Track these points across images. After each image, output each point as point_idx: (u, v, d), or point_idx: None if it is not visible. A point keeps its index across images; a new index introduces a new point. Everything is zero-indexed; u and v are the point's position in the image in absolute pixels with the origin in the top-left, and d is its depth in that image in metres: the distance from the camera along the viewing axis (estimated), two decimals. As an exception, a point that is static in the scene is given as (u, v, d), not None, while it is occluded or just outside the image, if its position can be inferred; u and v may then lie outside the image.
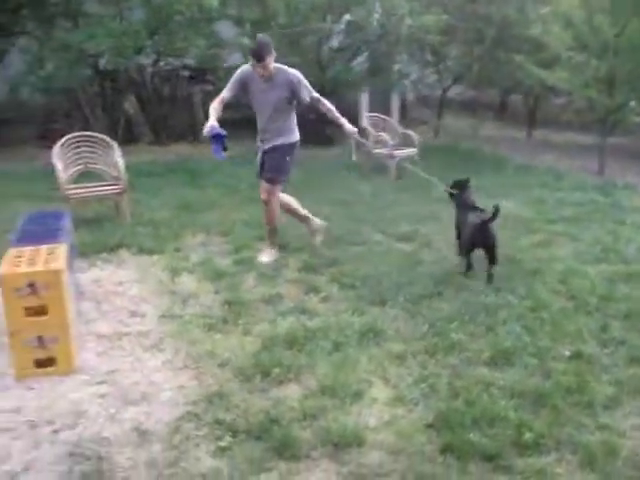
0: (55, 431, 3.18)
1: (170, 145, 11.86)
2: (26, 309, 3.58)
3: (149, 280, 5.10)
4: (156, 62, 13.15)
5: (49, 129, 11.93)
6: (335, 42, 12.66)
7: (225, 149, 5.15)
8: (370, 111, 12.26)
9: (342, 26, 12.40)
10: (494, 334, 4.11)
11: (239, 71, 5.39)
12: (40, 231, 4.26)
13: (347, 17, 12.32)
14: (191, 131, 12.63)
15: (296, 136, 5.56)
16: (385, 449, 2.98)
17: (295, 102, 5.46)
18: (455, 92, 14.64)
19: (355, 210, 7.28)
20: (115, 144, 7.05)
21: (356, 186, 8.56)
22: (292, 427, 3.11)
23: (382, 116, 10.85)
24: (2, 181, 8.44)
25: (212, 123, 5.07)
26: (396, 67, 12.79)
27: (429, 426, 3.17)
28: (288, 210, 5.81)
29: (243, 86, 5.35)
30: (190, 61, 13.24)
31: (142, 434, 3.12)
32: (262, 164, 5.55)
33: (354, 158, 10.53)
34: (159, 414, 3.29)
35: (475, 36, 12.75)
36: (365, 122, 10.33)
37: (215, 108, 5.25)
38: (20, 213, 6.96)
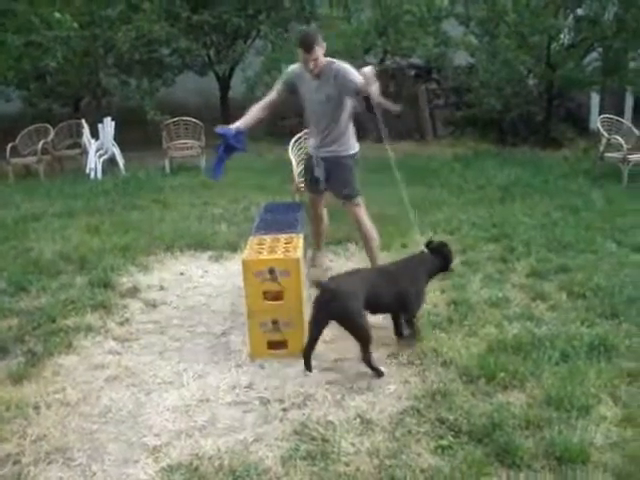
0: (284, 409, 3.37)
1: (395, 143, 12.05)
2: (265, 293, 3.83)
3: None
4: (382, 61, 13.44)
5: (279, 125, 12.67)
6: (566, 39, 12.10)
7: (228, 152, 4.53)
8: (600, 112, 11.57)
9: (572, 21, 11.83)
10: None
11: (288, 70, 4.84)
12: (278, 221, 4.52)
13: (579, 11, 11.72)
14: (416, 129, 12.76)
15: (355, 146, 4.93)
16: (611, 471, 2.80)
17: (347, 101, 4.67)
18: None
19: (586, 217, 6.91)
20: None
21: (586, 191, 8.13)
22: (515, 434, 3.03)
23: (616, 117, 10.16)
24: (239, 174, 9.13)
25: (234, 125, 4.55)
26: (633, 64, 11.92)
27: (660, 452, 2.92)
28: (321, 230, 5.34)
29: (291, 87, 4.76)
30: (416, 60, 13.37)
31: (366, 423, 3.21)
32: (325, 175, 4.92)
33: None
34: (383, 405, 3.37)
35: None
36: (597, 124, 9.77)
37: (254, 109, 4.72)
38: (255, 203, 7.54)
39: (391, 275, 3.98)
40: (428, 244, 4.20)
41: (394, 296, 3.90)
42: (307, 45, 4.45)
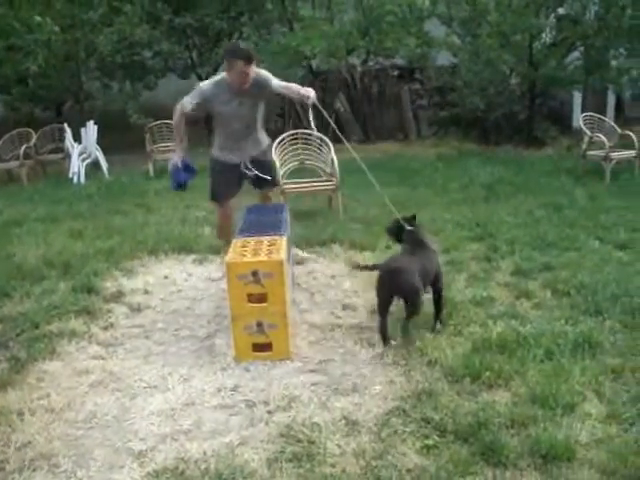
0: (270, 412, 3.35)
1: (378, 143, 12.09)
2: (248, 295, 3.81)
3: (361, 275, 5.14)
4: (365, 62, 13.48)
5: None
6: (547, 38, 12.17)
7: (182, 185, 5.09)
8: (583, 111, 11.64)
9: (554, 20, 11.90)
10: None
11: (204, 89, 4.77)
12: (262, 223, 4.50)
13: (560, 10, 11.79)
14: (400, 129, 12.80)
15: (267, 139, 5.28)
16: (596, 468, 2.80)
17: (263, 102, 4.98)
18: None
19: (569, 215, 6.94)
20: (329, 142, 7.35)
21: (569, 189, 8.15)
22: (500, 433, 3.03)
23: (598, 116, 10.23)
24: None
25: (177, 159, 4.94)
26: (614, 63, 12.02)
27: (646, 449, 2.93)
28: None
29: (205, 106, 4.82)
30: (399, 60, 13.42)
31: (351, 424, 3.20)
32: (253, 178, 5.15)
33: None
34: (368, 406, 3.36)
35: None
36: (580, 122, 9.83)
37: (181, 131, 4.91)
38: (239, 205, 7.51)
39: (429, 255, 4.19)
40: (409, 223, 4.30)
41: (437, 275, 4.18)
42: (250, 58, 4.58)
